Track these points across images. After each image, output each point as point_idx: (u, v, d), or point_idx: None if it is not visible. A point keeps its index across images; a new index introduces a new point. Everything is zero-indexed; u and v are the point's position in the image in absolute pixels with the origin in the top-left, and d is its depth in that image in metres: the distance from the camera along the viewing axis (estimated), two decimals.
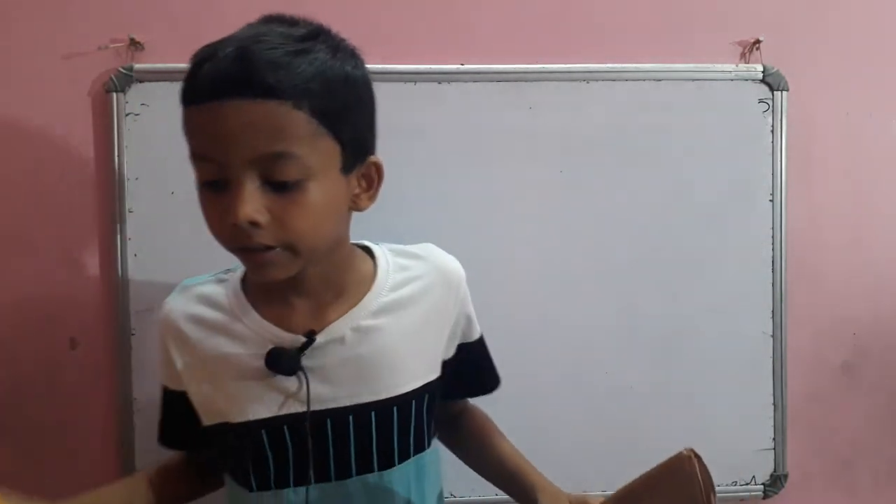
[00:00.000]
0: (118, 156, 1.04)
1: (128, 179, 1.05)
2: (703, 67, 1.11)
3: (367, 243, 0.82)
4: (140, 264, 1.05)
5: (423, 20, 1.10)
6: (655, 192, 1.11)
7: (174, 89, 1.03)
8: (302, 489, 0.73)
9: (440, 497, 0.85)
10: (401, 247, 0.82)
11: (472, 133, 1.08)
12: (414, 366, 0.77)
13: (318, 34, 0.69)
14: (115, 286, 1.05)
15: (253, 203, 0.63)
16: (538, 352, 1.06)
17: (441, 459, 0.87)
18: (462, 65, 1.08)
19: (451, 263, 0.82)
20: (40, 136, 1.06)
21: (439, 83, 1.07)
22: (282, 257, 0.66)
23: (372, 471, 0.75)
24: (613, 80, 1.10)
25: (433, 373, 0.80)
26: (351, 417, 0.73)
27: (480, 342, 0.88)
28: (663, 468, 0.67)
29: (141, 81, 1.04)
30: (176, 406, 0.79)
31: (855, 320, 1.18)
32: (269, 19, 0.71)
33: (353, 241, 0.79)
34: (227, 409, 0.74)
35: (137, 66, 1.04)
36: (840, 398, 1.19)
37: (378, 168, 0.73)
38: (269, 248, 0.65)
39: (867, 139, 1.17)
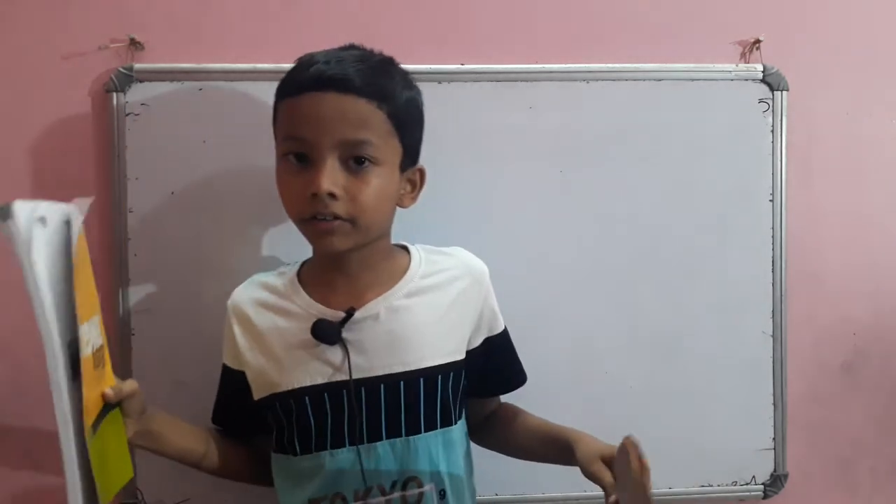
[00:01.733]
0: (118, 156, 1.04)
1: (128, 179, 1.05)
2: (703, 67, 1.11)
3: (404, 243, 0.94)
4: (140, 264, 1.05)
5: (423, 20, 1.10)
6: (655, 191, 1.11)
7: (174, 89, 1.05)
8: (338, 451, 0.84)
9: (469, 477, 0.92)
10: (432, 247, 0.94)
11: (472, 133, 1.08)
12: (440, 343, 0.87)
13: (391, 62, 0.86)
14: (115, 286, 1.05)
15: (333, 178, 0.78)
16: (538, 351, 1.06)
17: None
18: (462, 65, 1.08)
19: (477, 261, 0.94)
20: (40, 136, 1.06)
21: (439, 83, 1.07)
22: (344, 228, 0.80)
23: (400, 435, 0.84)
24: (613, 80, 1.10)
25: (458, 354, 0.89)
26: (382, 386, 0.84)
27: (505, 335, 0.96)
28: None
29: (141, 81, 1.04)
30: (233, 384, 0.90)
31: (855, 320, 1.18)
32: (348, 47, 0.86)
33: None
34: (277, 379, 0.85)
35: (137, 66, 1.04)
36: (840, 398, 1.19)
37: (422, 174, 0.89)
38: (337, 218, 0.79)
39: (867, 139, 1.17)
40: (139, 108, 1.04)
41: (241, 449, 0.94)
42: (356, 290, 0.87)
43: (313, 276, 0.89)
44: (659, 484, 1.12)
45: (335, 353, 0.84)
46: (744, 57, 1.14)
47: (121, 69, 1.04)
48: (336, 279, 0.87)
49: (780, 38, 1.13)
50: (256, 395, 0.88)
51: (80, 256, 0.65)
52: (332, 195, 0.78)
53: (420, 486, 0.84)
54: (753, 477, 1.15)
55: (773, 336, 1.13)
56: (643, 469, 0.75)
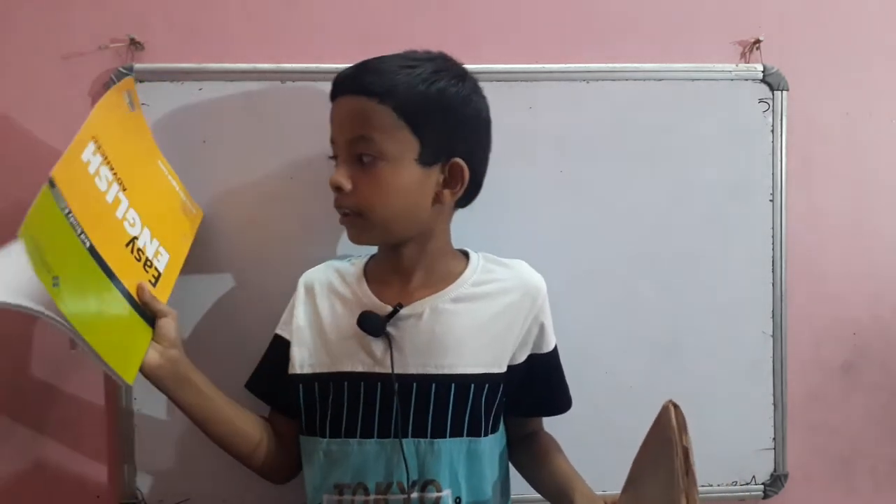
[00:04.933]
0: None
1: None
2: (703, 67, 1.11)
3: (466, 249, 0.96)
4: None
5: (422, 20, 1.10)
6: (655, 191, 1.11)
7: (174, 89, 1.05)
8: (366, 441, 0.86)
9: (497, 492, 0.91)
10: (495, 257, 0.95)
11: None
12: (478, 352, 0.88)
13: (432, 59, 0.86)
14: None
15: (342, 173, 0.83)
16: None
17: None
18: (462, 65, 1.08)
19: (534, 277, 0.93)
20: (40, 136, 1.06)
21: None
22: (356, 222, 0.85)
23: (425, 436, 0.85)
24: (613, 80, 1.10)
25: (496, 367, 0.89)
26: (415, 385, 0.85)
27: (553, 357, 0.95)
28: (652, 427, 0.77)
29: (141, 81, 1.04)
30: (277, 353, 0.93)
31: (855, 320, 1.18)
32: (415, 51, 0.88)
33: (462, 247, 0.96)
34: (323, 359, 0.88)
35: (137, 66, 1.04)
36: (840, 398, 1.19)
37: (461, 169, 0.85)
38: (350, 211, 0.84)
39: (867, 139, 1.17)
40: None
41: (266, 438, 0.93)
42: (408, 287, 0.89)
43: (375, 269, 0.93)
44: None
45: (378, 346, 0.86)
46: (744, 57, 1.14)
47: (121, 69, 1.04)
48: (391, 275, 0.90)
49: (780, 38, 1.13)
50: (297, 370, 0.89)
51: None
52: (339, 189, 0.83)
53: (438, 490, 0.85)
54: (753, 477, 1.15)
55: (773, 336, 1.14)
56: (681, 429, 0.72)
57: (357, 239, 0.87)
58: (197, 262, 1.06)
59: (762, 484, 1.15)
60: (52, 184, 0.69)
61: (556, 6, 1.11)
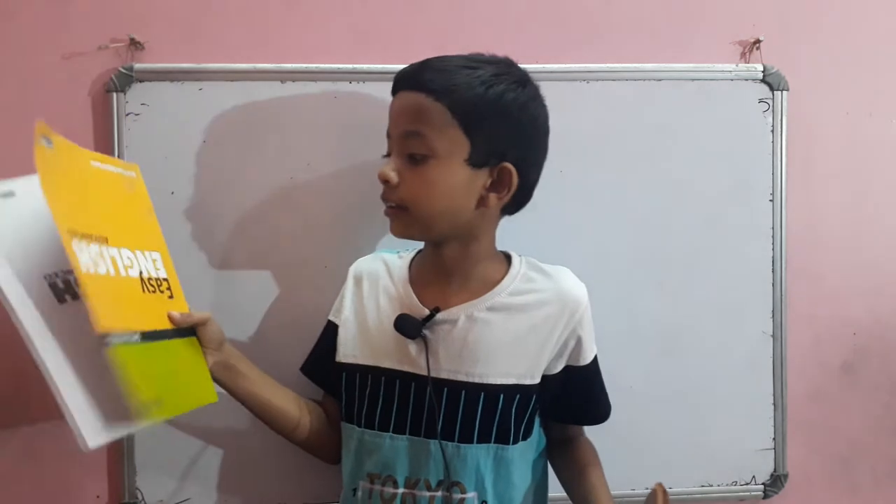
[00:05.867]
0: (118, 156, 1.04)
1: None
2: (703, 67, 1.11)
3: (511, 252, 0.95)
4: None
5: (422, 20, 1.10)
6: (655, 191, 1.11)
7: (174, 89, 1.05)
8: (398, 437, 0.87)
9: (532, 495, 0.92)
10: (539, 263, 0.94)
11: None
12: (510, 364, 0.87)
13: (495, 62, 0.86)
14: None
15: (391, 166, 0.84)
16: None
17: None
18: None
19: (575, 288, 0.92)
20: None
21: None
22: (399, 215, 0.86)
23: (452, 440, 0.86)
24: (613, 80, 1.10)
25: (529, 378, 0.88)
26: (446, 389, 0.86)
27: (590, 369, 0.94)
28: None
29: (141, 81, 1.04)
30: (329, 337, 0.95)
31: (855, 320, 1.18)
32: (481, 53, 0.87)
33: (500, 248, 0.94)
34: (364, 351, 0.90)
35: (137, 66, 1.04)
36: (840, 398, 1.19)
37: (510, 174, 0.84)
38: (395, 204, 0.85)
39: (867, 139, 1.17)
40: (139, 108, 1.04)
41: (321, 419, 0.97)
42: (447, 291, 0.90)
43: (419, 268, 0.94)
44: None
45: (414, 347, 0.87)
46: (744, 57, 1.14)
47: (121, 69, 1.04)
48: (432, 275, 0.91)
49: (780, 38, 1.13)
50: (343, 358, 0.92)
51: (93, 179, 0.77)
52: (386, 181, 0.84)
53: (463, 491, 0.85)
54: (753, 477, 1.15)
55: (773, 336, 1.14)
56: None
57: (398, 232, 0.87)
58: (197, 262, 1.06)
59: (762, 484, 1.15)
60: (111, 335, 0.69)
61: (556, 6, 1.11)
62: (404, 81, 0.85)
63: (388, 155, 0.87)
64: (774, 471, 1.15)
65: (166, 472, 1.07)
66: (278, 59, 1.06)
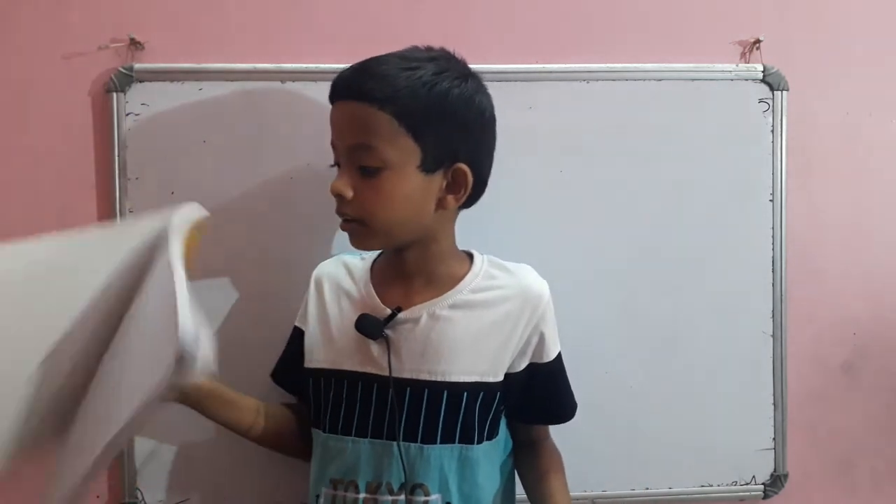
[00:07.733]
0: (118, 156, 1.04)
1: (128, 179, 1.05)
2: (703, 67, 1.11)
3: (473, 252, 0.94)
4: None
5: (422, 20, 1.10)
6: (655, 191, 1.11)
7: (174, 89, 1.05)
8: (360, 440, 0.86)
9: (499, 497, 0.91)
10: (500, 261, 0.93)
11: None
12: (472, 362, 0.87)
13: (434, 59, 0.83)
14: None
15: (344, 180, 0.81)
16: None
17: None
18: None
19: (536, 283, 0.91)
20: (40, 136, 1.06)
21: None
22: (358, 229, 0.84)
23: (415, 440, 0.85)
24: (613, 80, 1.10)
25: (492, 376, 0.87)
26: (408, 390, 0.85)
27: (554, 366, 0.93)
28: None
29: (141, 81, 1.04)
30: (295, 344, 0.95)
31: (855, 320, 1.18)
32: (417, 48, 0.86)
33: (463, 248, 0.94)
34: (327, 355, 0.90)
35: (137, 66, 1.04)
36: (840, 398, 1.19)
37: (464, 175, 0.84)
38: (351, 219, 0.83)
39: (867, 139, 1.17)
40: (139, 108, 1.04)
41: (287, 423, 0.98)
42: (409, 290, 0.89)
43: (381, 269, 0.93)
44: (659, 484, 1.12)
45: (376, 348, 0.87)
46: (744, 57, 1.14)
47: (121, 69, 1.04)
48: (394, 276, 0.90)
49: (780, 38, 1.13)
50: (307, 364, 0.92)
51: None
52: (340, 196, 0.82)
53: (427, 494, 0.84)
54: (753, 477, 1.15)
55: (773, 336, 1.14)
56: None
57: (359, 246, 0.86)
58: (201, 260, 1.05)
59: (762, 484, 1.15)
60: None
61: (556, 6, 1.11)
62: (344, 90, 0.82)
63: (336, 164, 0.85)
64: (774, 471, 1.15)
65: (166, 472, 1.07)
66: (278, 59, 1.07)
